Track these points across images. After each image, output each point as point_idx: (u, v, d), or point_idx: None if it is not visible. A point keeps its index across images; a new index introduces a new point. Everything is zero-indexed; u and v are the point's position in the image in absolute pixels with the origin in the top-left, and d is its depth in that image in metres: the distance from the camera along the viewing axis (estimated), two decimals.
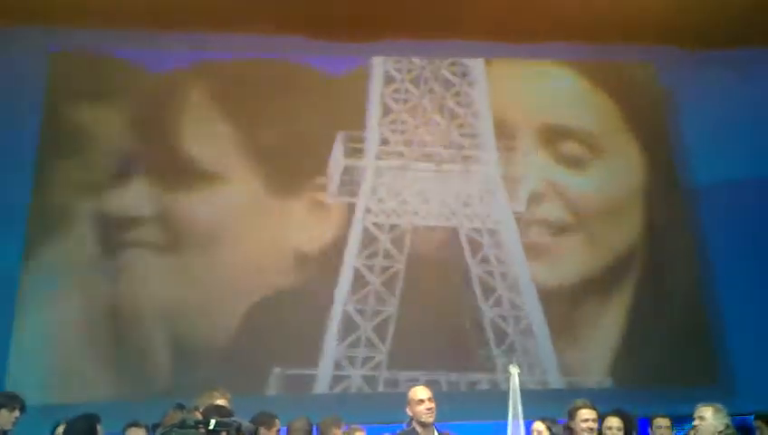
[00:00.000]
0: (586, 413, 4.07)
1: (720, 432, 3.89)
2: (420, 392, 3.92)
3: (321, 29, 7.25)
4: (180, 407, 3.22)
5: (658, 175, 7.55)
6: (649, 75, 7.88)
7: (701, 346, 6.89)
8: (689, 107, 7.71)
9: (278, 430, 4.37)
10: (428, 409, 3.88)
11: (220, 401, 3.69)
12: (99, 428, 3.68)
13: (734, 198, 7.33)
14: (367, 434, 4.61)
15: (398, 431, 3.98)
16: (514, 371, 4.06)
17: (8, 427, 3.82)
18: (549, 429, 4.04)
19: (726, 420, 3.94)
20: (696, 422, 4.02)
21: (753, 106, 7.67)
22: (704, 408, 4.01)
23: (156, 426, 3.85)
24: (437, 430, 3.92)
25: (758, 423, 5.14)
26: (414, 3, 7.13)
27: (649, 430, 5.07)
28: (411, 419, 3.94)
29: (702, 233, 7.31)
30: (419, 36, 7.42)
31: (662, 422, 5.09)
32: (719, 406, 4.01)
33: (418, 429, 3.86)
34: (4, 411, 3.81)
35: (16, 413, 3.85)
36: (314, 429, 4.63)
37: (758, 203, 7.35)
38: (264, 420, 4.36)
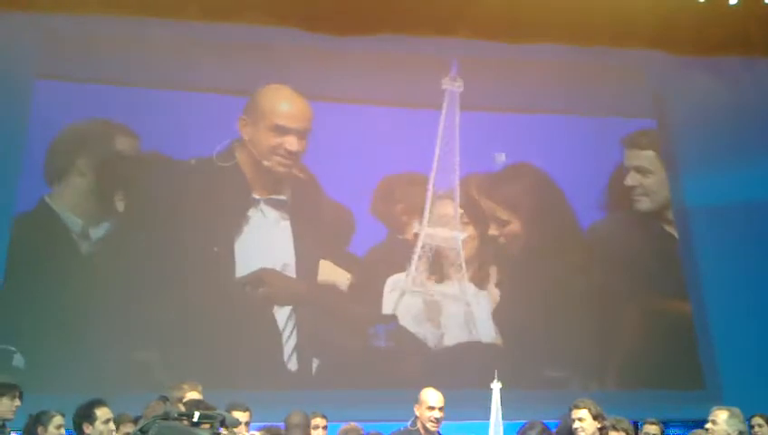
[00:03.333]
0: (574, 412, 3.91)
1: None
2: (434, 399, 3.87)
3: (312, 21, 7.16)
4: (163, 399, 3.14)
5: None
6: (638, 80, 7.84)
7: (689, 352, 6.86)
8: (677, 112, 7.72)
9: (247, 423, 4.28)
10: (437, 419, 3.85)
11: (191, 394, 3.61)
12: (99, 412, 3.58)
13: (721, 208, 7.34)
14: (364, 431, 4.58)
15: (401, 429, 3.94)
16: (496, 386, 4.08)
17: (8, 416, 3.75)
18: None
19: (741, 427, 3.75)
20: (708, 426, 3.81)
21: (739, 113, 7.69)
22: (718, 411, 3.82)
23: (138, 418, 3.77)
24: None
25: (759, 421, 4.95)
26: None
27: None
28: (416, 418, 3.87)
29: (690, 242, 7.30)
30: (407, 32, 7.34)
31: (651, 429, 4.94)
32: (736, 410, 3.81)
33: (422, 431, 3.83)
34: (5, 400, 3.72)
35: (17, 402, 3.77)
36: None
37: (744, 213, 7.35)
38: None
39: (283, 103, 6.99)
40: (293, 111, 6.97)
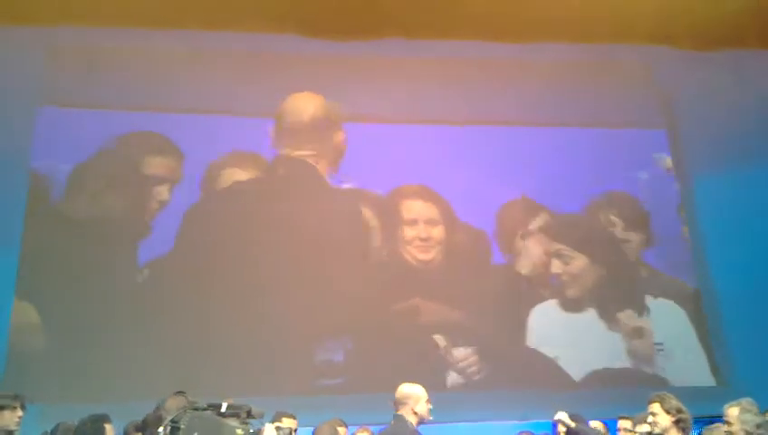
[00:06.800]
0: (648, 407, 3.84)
1: None
2: (425, 392, 3.93)
3: (313, 27, 7.19)
4: (180, 393, 3.19)
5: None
6: (644, 76, 7.84)
7: (703, 348, 6.85)
8: (685, 109, 7.70)
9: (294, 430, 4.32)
10: (431, 409, 3.92)
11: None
12: (108, 427, 3.64)
13: (732, 201, 7.29)
14: None
15: (396, 428, 3.90)
16: None
17: (13, 427, 3.76)
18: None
19: (757, 420, 3.58)
20: (725, 428, 3.68)
21: (748, 108, 7.68)
22: (729, 409, 3.66)
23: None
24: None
25: None
26: (407, 2, 7.09)
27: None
28: (402, 416, 3.87)
29: (702, 237, 7.28)
30: (412, 36, 7.35)
31: (623, 424, 4.89)
32: (746, 403, 3.66)
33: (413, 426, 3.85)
34: (6, 413, 3.74)
35: (19, 413, 3.78)
36: None
37: (757, 212, 7.31)
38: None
39: (330, 102, 6.97)
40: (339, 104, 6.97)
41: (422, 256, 6.70)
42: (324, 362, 6.17)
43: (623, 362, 6.62)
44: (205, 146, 6.70)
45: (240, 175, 6.66)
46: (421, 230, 6.75)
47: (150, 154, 6.65)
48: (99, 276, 6.19)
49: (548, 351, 6.57)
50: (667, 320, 6.85)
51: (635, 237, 7.15)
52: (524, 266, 6.86)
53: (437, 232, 6.79)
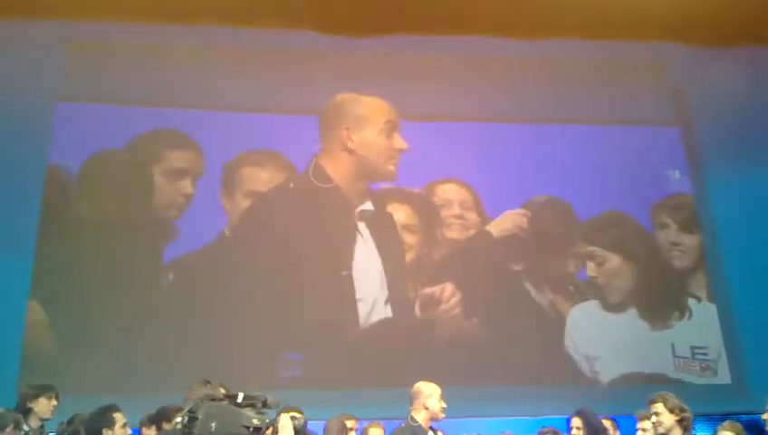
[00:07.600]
0: (651, 407, 3.84)
1: None
2: (439, 389, 3.95)
3: (330, 24, 7.21)
4: (206, 382, 3.23)
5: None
6: (658, 73, 7.79)
7: (713, 345, 6.82)
8: (699, 106, 7.65)
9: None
10: (445, 407, 3.93)
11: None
12: (116, 416, 3.73)
13: (747, 199, 7.26)
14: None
15: (403, 426, 3.95)
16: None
17: (47, 415, 3.92)
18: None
19: None
20: (764, 416, 3.75)
21: (764, 105, 7.63)
22: None
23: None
24: (432, 428, 3.96)
25: None
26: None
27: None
28: (418, 413, 3.91)
29: (714, 232, 7.24)
30: (427, 32, 7.34)
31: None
32: None
33: (425, 425, 3.87)
34: (43, 400, 3.90)
35: (54, 402, 3.94)
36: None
37: None
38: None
39: (373, 106, 6.91)
40: (387, 110, 6.91)
41: (458, 236, 6.74)
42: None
43: (662, 366, 6.60)
44: (222, 143, 6.72)
45: (259, 174, 6.69)
46: (456, 209, 6.80)
47: (169, 149, 6.67)
48: (108, 274, 6.23)
49: (587, 351, 6.59)
50: (709, 324, 6.85)
51: (688, 240, 7.13)
52: (549, 265, 6.87)
53: (473, 216, 6.82)
